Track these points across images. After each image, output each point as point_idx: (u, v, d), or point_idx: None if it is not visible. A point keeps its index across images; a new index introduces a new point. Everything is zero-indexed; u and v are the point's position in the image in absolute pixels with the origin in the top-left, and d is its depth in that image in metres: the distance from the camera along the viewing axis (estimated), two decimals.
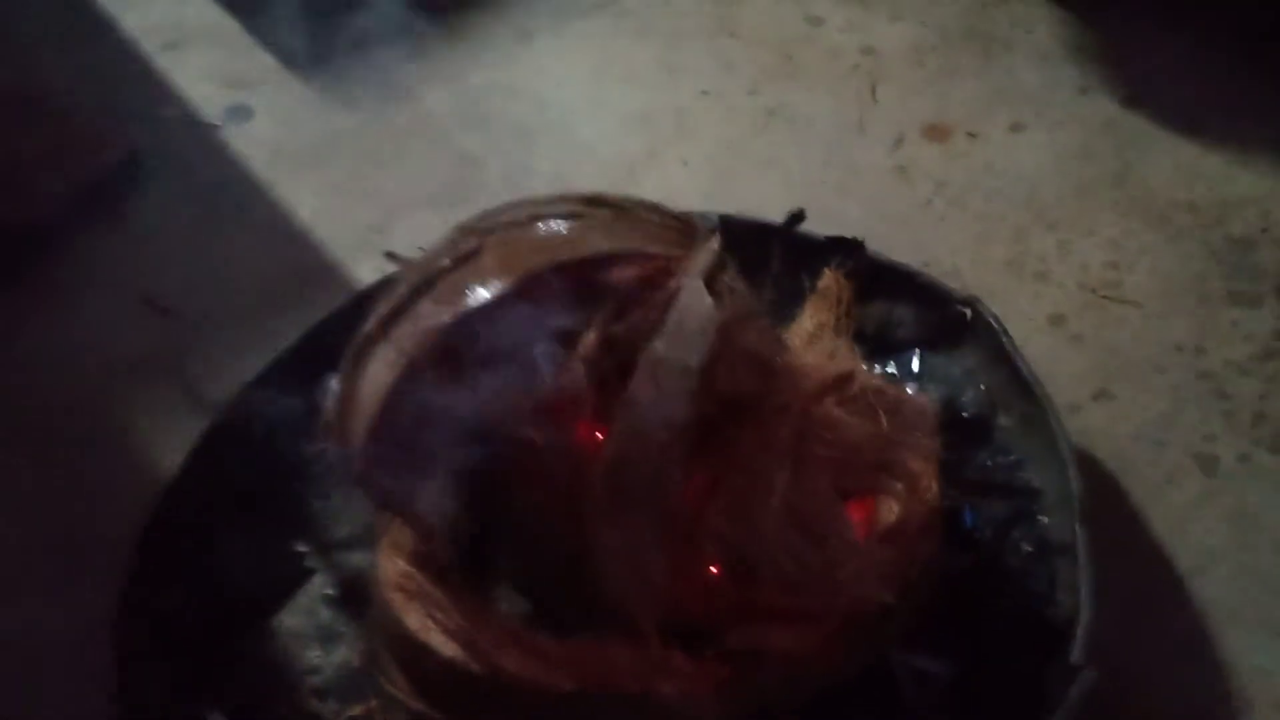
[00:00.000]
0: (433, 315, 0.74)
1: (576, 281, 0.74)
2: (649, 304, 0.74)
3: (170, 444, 1.08)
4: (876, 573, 0.78)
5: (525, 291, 0.73)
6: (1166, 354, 1.08)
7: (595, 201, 0.80)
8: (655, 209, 0.80)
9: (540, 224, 0.78)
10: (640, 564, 0.72)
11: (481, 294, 0.74)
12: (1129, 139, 1.27)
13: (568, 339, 0.73)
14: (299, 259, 1.25)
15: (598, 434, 0.74)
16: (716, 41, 1.45)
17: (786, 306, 1.02)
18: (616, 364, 0.73)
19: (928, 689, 0.83)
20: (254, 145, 1.38)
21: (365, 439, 0.75)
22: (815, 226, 1.15)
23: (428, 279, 0.76)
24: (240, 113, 1.41)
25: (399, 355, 0.74)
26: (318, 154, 1.36)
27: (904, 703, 0.82)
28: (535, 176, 1.31)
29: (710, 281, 0.74)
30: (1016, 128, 1.30)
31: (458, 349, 0.73)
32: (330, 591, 0.94)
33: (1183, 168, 1.23)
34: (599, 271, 0.75)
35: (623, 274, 0.75)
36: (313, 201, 1.31)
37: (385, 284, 0.97)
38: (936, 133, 1.31)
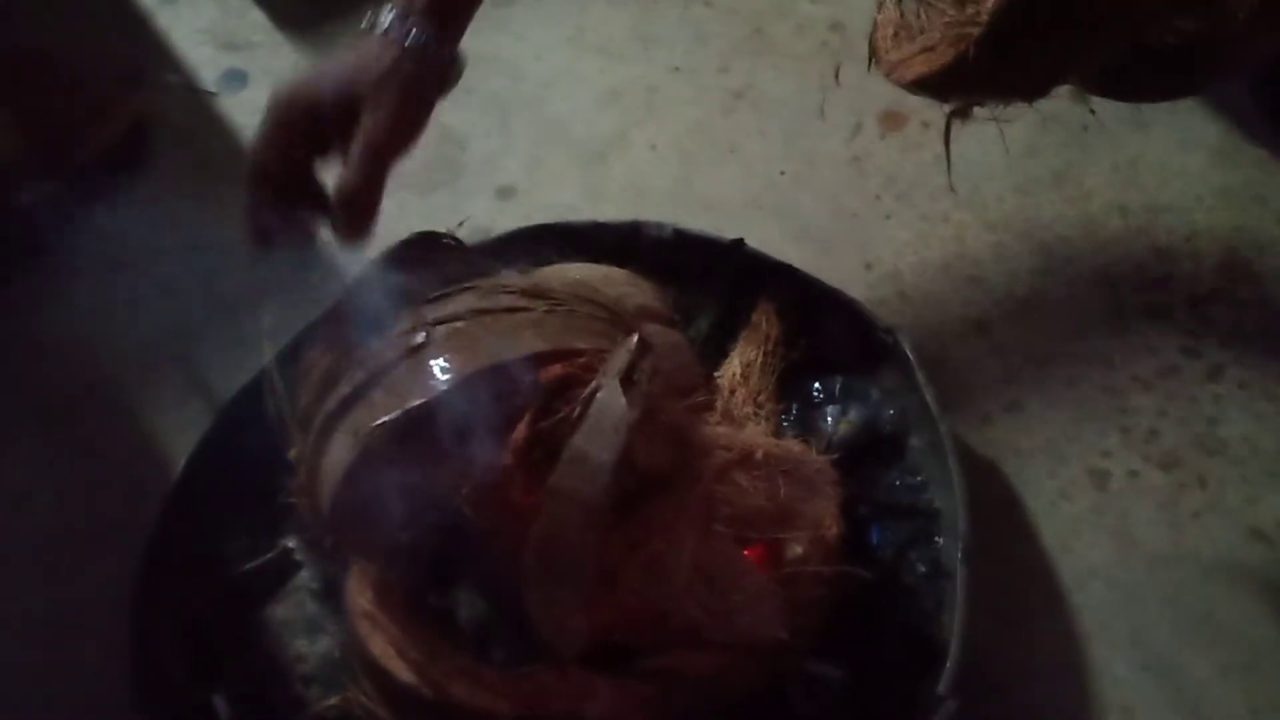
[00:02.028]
0: (384, 405, 0.85)
1: (511, 378, 0.85)
2: (572, 400, 0.84)
3: (177, 427, 1.22)
4: (775, 615, 0.91)
5: (467, 387, 0.84)
6: (1078, 367, 1.17)
7: (533, 293, 0.90)
8: (588, 299, 0.90)
9: (484, 318, 0.88)
10: (564, 619, 0.86)
11: (428, 388, 0.85)
12: (1074, 135, 1.32)
13: (502, 430, 0.85)
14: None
15: (530, 512, 0.86)
16: (691, 10, 1.50)
17: (731, 321, 1.13)
18: (545, 453, 0.84)
19: (818, 693, 0.98)
20: (250, 116, 1.45)
21: (329, 507, 0.87)
22: (771, 221, 1.24)
23: (383, 367, 0.87)
24: (236, 78, 1.49)
25: (355, 439, 0.85)
26: None
27: (794, 706, 0.97)
28: (511, 159, 1.39)
29: (628, 376, 0.85)
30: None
31: (407, 436, 0.85)
32: (314, 585, 1.08)
33: (1120, 169, 1.30)
34: (531, 370, 0.85)
35: (551, 371, 0.85)
36: None
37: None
38: (893, 121, 1.37)
